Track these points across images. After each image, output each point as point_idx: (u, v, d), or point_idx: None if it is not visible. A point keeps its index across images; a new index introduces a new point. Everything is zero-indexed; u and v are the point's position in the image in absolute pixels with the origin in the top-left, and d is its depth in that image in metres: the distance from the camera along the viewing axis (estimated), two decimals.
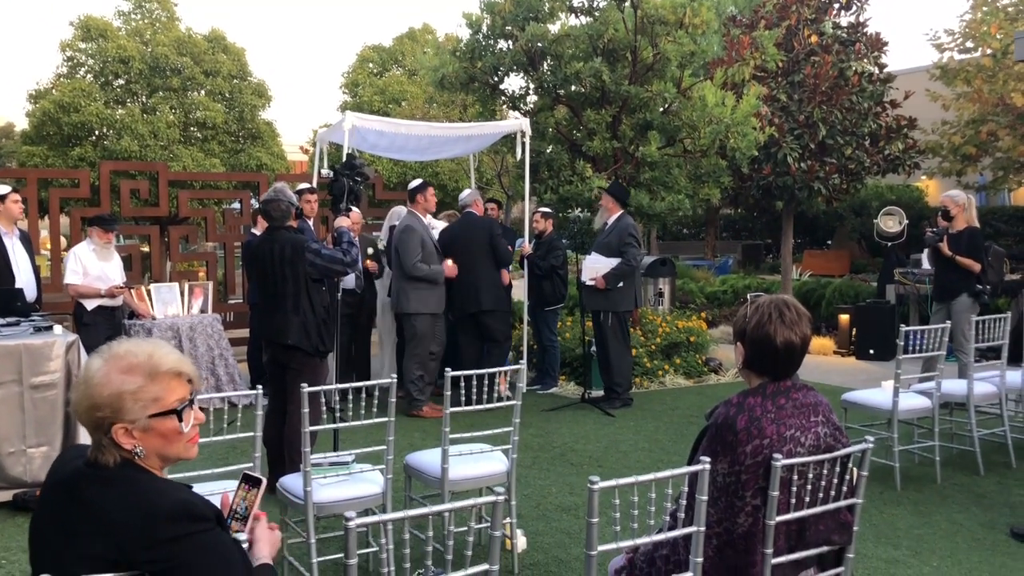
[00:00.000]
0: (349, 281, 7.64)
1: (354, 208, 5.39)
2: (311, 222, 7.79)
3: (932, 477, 5.52)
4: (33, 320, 5.66)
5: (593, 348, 8.15)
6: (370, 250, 7.78)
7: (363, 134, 8.02)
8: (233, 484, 3.49)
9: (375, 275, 7.86)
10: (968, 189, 15.89)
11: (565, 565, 4.19)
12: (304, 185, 7.99)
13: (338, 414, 3.88)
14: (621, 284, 7.54)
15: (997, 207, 19.00)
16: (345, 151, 7.42)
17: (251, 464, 3.54)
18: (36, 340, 5.17)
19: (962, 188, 15.53)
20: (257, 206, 7.57)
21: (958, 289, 7.07)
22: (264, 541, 1.99)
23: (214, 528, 1.81)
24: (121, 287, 7.15)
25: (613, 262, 7.49)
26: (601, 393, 7.86)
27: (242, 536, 1.96)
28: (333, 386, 4.03)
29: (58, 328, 5.57)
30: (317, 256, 4.97)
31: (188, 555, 1.73)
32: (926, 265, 9.40)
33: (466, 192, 8.13)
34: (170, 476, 3.46)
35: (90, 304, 7.00)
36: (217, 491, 3.37)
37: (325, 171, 5.57)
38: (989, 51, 14.61)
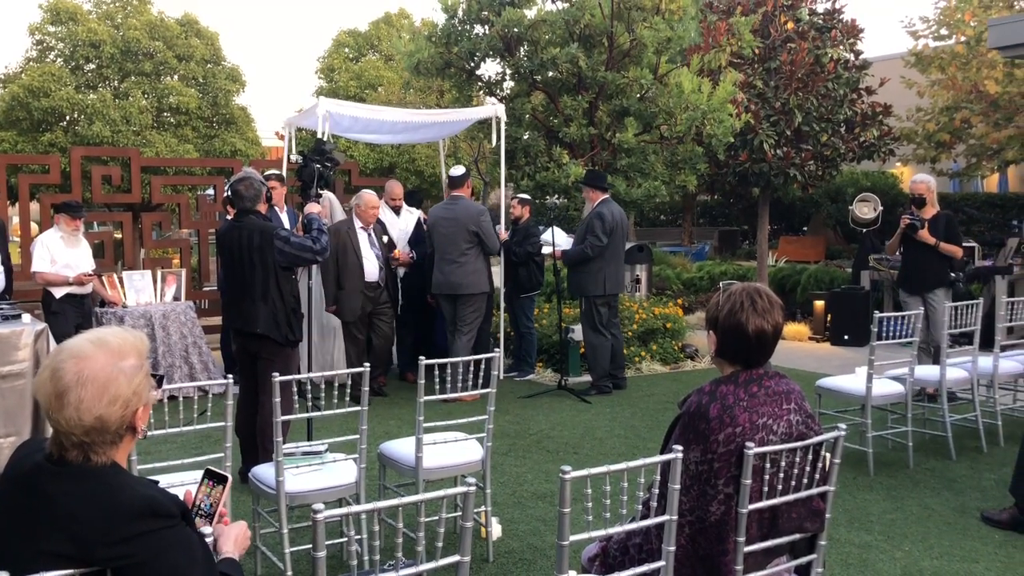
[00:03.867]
0: (372, 273, 7.38)
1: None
2: (284, 213, 7.69)
3: (905, 462, 5.57)
4: (1, 308, 5.56)
5: (570, 334, 8.17)
6: (386, 238, 7.64)
7: (336, 118, 7.94)
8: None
9: (400, 264, 7.64)
10: (942, 176, 16.03)
11: (540, 552, 4.19)
12: (270, 171, 7.89)
13: (322, 403, 3.84)
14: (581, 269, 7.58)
15: (970, 193, 19.19)
16: (320, 135, 7.34)
17: (221, 455, 3.50)
18: (3, 329, 5.07)
19: (936, 174, 15.67)
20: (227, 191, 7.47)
21: (936, 280, 6.78)
22: (227, 536, 1.96)
23: (178, 524, 1.77)
24: (90, 274, 7.06)
25: (568, 241, 7.69)
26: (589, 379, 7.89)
27: (207, 530, 1.93)
28: (306, 375, 3.99)
29: (26, 317, 5.48)
30: (286, 244, 4.90)
31: (150, 552, 1.70)
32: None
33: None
34: (144, 465, 3.44)
35: (58, 292, 6.90)
36: (189, 481, 3.34)
37: (294, 156, 5.49)
38: (963, 38, 14.72)
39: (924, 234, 6.78)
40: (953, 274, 6.91)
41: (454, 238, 7.43)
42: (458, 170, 7.81)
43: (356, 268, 7.29)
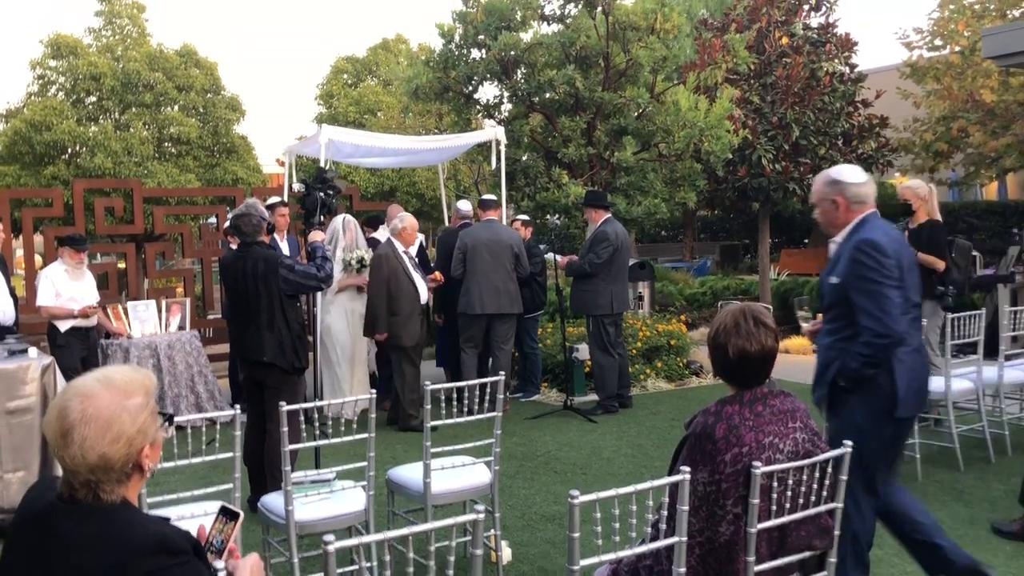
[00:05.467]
0: (423, 296, 7.38)
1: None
2: (284, 242, 7.72)
3: (913, 475, 5.55)
4: (7, 343, 5.59)
5: (575, 354, 8.18)
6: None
7: (338, 145, 8.00)
8: (212, 505, 3.46)
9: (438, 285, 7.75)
10: (941, 185, 16.05)
11: (550, 575, 4.18)
12: (274, 199, 7.93)
13: (329, 430, 3.85)
14: (587, 288, 7.61)
15: (970, 202, 19.20)
16: (321, 163, 7.39)
17: (231, 486, 3.51)
18: (10, 364, 5.10)
19: (935, 184, 15.69)
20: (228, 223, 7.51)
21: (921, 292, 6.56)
22: (242, 569, 1.98)
23: (190, 560, 1.79)
24: (94, 307, 7.08)
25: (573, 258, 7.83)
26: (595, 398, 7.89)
27: (219, 564, 1.94)
28: (313, 403, 4.01)
29: (33, 351, 5.51)
30: (290, 271, 4.93)
31: None
32: None
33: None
34: (154, 498, 3.45)
35: (63, 325, 6.92)
36: (199, 513, 3.35)
37: (297, 185, 5.53)
38: (957, 49, 14.78)
39: None
40: (941, 287, 6.48)
41: (501, 259, 7.51)
42: (490, 196, 8.12)
43: (411, 291, 7.22)
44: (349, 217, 7.89)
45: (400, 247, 7.33)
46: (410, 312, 7.20)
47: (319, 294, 7.36)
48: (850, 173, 3.57)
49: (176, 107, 18.87)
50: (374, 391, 3.94)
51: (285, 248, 7.56)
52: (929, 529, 3.59)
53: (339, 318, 7.60)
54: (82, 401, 1.75)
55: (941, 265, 6.41)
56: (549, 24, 10.25)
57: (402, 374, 7.22)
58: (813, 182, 3.74)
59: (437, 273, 7.82)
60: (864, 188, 3.51)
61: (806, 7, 12.80)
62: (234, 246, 7.70)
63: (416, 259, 7.60)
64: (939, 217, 6.67)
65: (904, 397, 3.37)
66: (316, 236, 5.21)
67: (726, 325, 2.59)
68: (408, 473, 4.19)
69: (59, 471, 1.82)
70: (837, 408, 3.46)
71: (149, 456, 1.82)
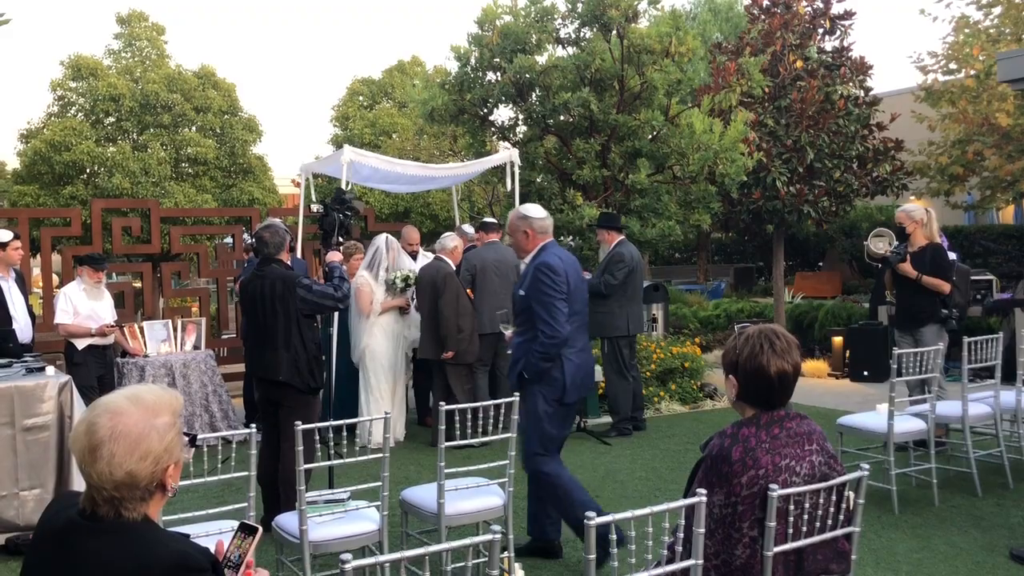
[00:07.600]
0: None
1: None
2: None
3: (930, 500, 5.50)
4: (25, 361, 5.63)
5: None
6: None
7: (357, 167, 8.05)
8: (226, 524, 3.47)
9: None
10: (956, 208, 16.00)
11: None
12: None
13: (344, 450, 3.87)
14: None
15: (986, 226, 19.11)
16: (344, 184, 7.44)
17: (245, 505, 3.52)
18: (28, 382, 5.14)
19: (951, 207, 15.64)
20: (249, 240, 7.52)
21: (924, 317, 6.43)
22: None
23: None
24: (112, 326, 7.12)
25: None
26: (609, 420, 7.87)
27: None
28: (328, 423, 4.01)
29: (50, 369, 5.54)
30: (308, 291, 4.96)
31: None
32: None
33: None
34: (169, 516, 3.46)
35: (81, 343, 6.97)
36: (213, 532, 3.36)
37: (316, 206, 5.58)
38: (972, 72, 14.76)
39: (904, 267, 6.47)
40: (945, 311, 6.43)
41: (507, 279, 7.60)
42: (491, 219, 8.16)
43: (469, 308, 7.37)
44: (392, 237, 7.88)
45: (453, 265, 7.49)
46: (471, 329, 7.35)
47: (350, 315, 7.38)
48: (535, 210, 4.51)
49: (194, 128, 19.07)
50: (387, 412, 3.95)
51: None
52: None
53: (383, 340, 7.49)
54: (111, 418, 1.77)
55: (947, 288, 6.40)
56: (564, 47, 10.31)
57: (456, 392, 7.26)
58: (508, 217, 4.61)
59: (469, 291, 7.83)
60: (546, 222, 4.50)
61: (820, 30, 12.82)
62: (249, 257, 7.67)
63: None
64: (938, 240, 6.64)
65: (570, 386, 4.33)
66: (334, 257, 5.24)
67: (761, 345, 2.55)
68: (422, 494, 4.19)
69: (75, 488, 1.83)
70: (524, 394, 4.35)
71: (172, 476, 1.84)
